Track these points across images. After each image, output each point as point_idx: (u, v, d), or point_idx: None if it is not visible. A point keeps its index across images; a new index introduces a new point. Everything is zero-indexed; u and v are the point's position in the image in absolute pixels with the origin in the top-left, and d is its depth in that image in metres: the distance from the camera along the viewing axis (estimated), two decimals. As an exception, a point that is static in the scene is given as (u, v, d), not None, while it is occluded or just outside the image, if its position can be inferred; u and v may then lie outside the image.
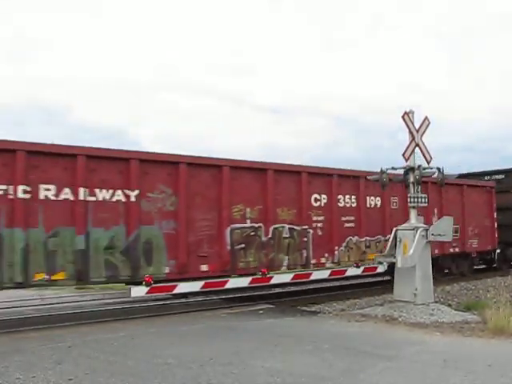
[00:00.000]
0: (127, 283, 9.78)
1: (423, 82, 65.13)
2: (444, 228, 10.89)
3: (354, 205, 13.08)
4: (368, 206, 13.42)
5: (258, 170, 11.24)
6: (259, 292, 12.95)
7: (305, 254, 11.82)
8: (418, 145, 10.96)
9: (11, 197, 8.35)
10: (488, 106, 60.83)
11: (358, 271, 12.68)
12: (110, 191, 9.29)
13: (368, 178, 11.98)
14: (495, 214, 17.28)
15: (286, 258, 11.49)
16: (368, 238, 13.24)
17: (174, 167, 10.03)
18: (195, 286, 10.17)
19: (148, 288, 9.28)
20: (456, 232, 14.10)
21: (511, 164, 22.64)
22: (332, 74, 68.17)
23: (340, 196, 12.76)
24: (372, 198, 13.50)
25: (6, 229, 8.27)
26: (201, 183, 10.34)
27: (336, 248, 12.44)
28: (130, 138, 59.07)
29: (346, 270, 12.66)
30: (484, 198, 17.13)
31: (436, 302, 10.90)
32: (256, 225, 11.02)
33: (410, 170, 10.84)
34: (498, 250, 17.52)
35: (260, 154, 70.46)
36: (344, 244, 12.67)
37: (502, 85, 63.07)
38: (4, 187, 8.33)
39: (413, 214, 10.84)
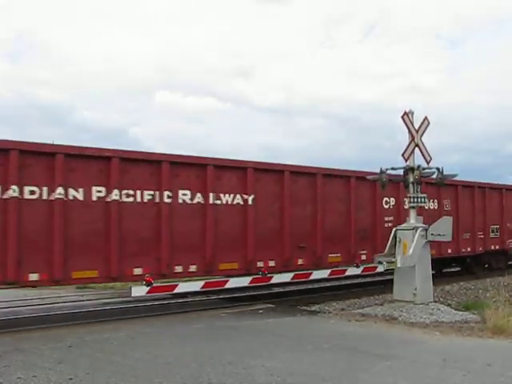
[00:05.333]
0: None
1: (423, 81, 65.19)
2: (444, 228, 10.90)
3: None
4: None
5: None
6: (259, 291, 12.96)
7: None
8: (417, 145, 10.98)
9: None
10: (488, 105, 60.89)
11: (358, 271, 12.70)
12: None
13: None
14: None
15: None
16: None
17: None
18: (195, 285, 10.18)
19: (148, 288, 9.29)
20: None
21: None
22: (332, 74, 68.21)
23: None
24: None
25: None
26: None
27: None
28: (130, 138, 59.16)
29: (345, 270, 12.69)
30: None
31: (436, 301, 10.91)
32: None
33: (409, 170, 10.86)
34: None
35: (261, 155, 70.58)
36: None
37: (502, 84, 63.15)
38: None
39: (412, 214, 10.85)
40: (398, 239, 10.74)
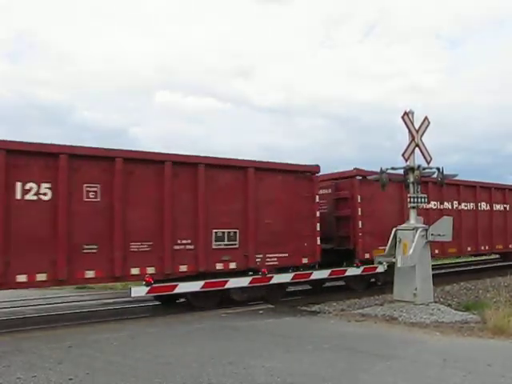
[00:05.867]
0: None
1: (423, 81, 65.15)
2: (444, 228, 10.90)
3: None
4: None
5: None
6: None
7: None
8: (417, 145, 10.97)
9: None
10: (488, 105, 60.87)
11: (358, 271, 12.70)
12: None
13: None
14: None
15: None
16: None
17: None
18: (195, 285, 10.18)
19: (148, 288, 9.29)
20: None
21: None
22: (332, 74, 68.18)
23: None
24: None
25: None
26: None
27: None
28: (130, 138, 59.18)
29: (345, 270, 12.68)
30: None
31: (436, 301, 10.91)
32: None
33: (409, 170, 10.85)
34: None
35: (261, 155, 70.58)
36: None
37: (502, 84, 63.12)
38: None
39: (412, 214, 10.85)
40: (398, 239, 10.74)
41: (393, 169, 11.10)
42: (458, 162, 59.22)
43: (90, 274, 9.07)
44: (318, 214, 12.05)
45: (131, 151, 9.75)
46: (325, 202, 13.49)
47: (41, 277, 8.61)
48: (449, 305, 11.10)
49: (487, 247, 17.27)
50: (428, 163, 11.11)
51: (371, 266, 12.63)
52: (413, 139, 10.92)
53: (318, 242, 12.02)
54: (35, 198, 8.65)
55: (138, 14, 60.02)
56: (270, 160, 11.62)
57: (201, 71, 61.88)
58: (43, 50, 60.16)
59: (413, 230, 10.52)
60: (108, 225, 9.23)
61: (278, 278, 11.30)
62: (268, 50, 66.41)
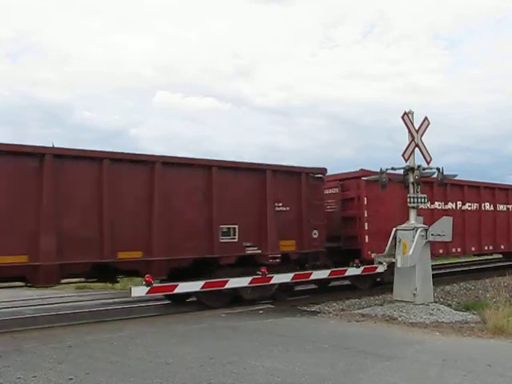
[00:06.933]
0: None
1: (422, 81, 65.19)
2: (444, 228, 10.90)
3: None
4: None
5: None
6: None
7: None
8: (417, 145, 10.98)
9: None
10: (488, 105, 60.89)
11: (358, 271, 12.68)
12: None
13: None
14: None
15: None
16: None
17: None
18: (195, 285, 10.17)
19: (148, 288, 9.28)
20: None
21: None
22: (332, 74, 68.19)
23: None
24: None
25: None
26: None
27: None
28: (130, 138, 59.19)
29: (345, 270, 12.66)
30: None
31: (435, 301, 10.92)
32: None
33: (409, 170, 10.86)
34: None
35: (261, 155, 70.52)
36: None
37: (502, 84, 63.16)
38: None
39: (412, 214, 10.85)
40: (397, 239, 10.74)
41: (393, 169, 11.11)
42: (458, 162, 59.29)
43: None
44: None
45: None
46: None
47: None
48: (449, 305, 11.10)
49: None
50: (428, 163, 11.12)
51: (371, 266, 12.62)
52: (413, 139, 10.93)
53: None
54: None
55: (138, 14, 60.07)
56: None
57: (201, 71, 61.91)
58: (43, 49, 60.20)
59: (413, 229, 10.52)
60: None
61: (278, 278, 11.30)
62: (268, 50, 66.47)
